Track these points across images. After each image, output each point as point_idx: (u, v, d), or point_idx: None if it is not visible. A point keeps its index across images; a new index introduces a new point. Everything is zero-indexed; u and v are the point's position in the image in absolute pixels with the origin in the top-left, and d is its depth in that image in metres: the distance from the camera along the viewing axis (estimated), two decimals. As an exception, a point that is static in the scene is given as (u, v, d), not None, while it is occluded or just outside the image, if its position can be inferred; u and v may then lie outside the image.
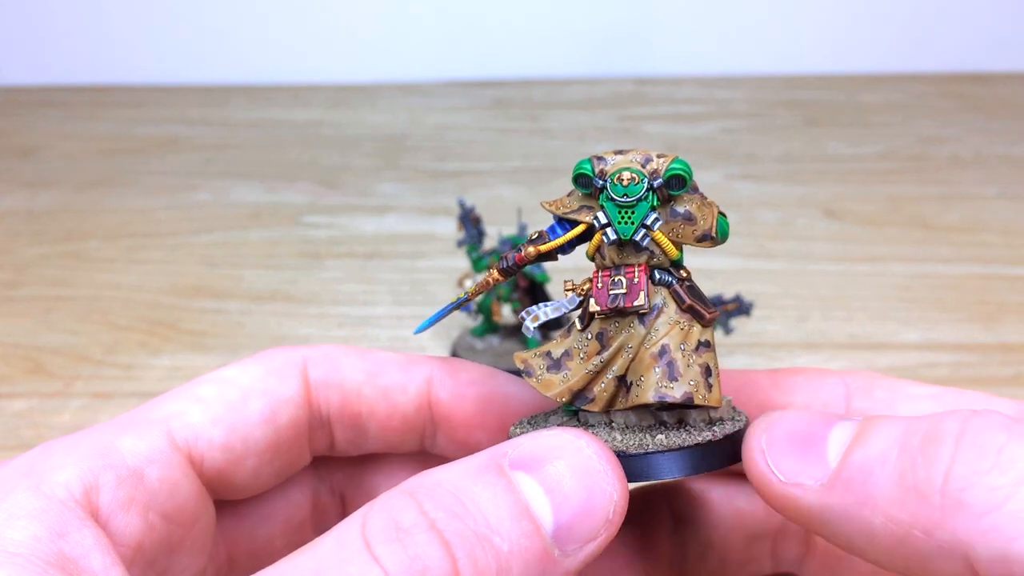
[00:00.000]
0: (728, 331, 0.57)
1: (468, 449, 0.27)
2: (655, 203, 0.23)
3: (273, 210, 0.85)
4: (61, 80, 1.22)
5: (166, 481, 0.23)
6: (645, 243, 0.23)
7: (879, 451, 0.19)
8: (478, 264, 0.59)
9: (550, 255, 0.25)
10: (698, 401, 0.23)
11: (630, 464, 0.22)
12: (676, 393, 0.23)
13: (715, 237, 0.24)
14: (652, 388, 0.23)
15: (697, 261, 0.79)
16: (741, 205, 0.85)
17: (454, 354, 0.62)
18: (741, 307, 0.56)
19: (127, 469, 0.22)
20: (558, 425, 0.24)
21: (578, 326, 0.24)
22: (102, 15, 1.19)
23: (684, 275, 0.24)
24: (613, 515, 0.21)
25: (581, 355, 0.24)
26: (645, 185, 0.23)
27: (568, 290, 0.25)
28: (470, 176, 0.93)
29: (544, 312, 0.25)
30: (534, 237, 0.25)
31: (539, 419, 0.25)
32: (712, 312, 0.24)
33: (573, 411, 0.24)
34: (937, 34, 1.21)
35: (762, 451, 0.21)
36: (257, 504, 0.28)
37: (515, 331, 0.62)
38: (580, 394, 0.24)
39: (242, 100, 1.16)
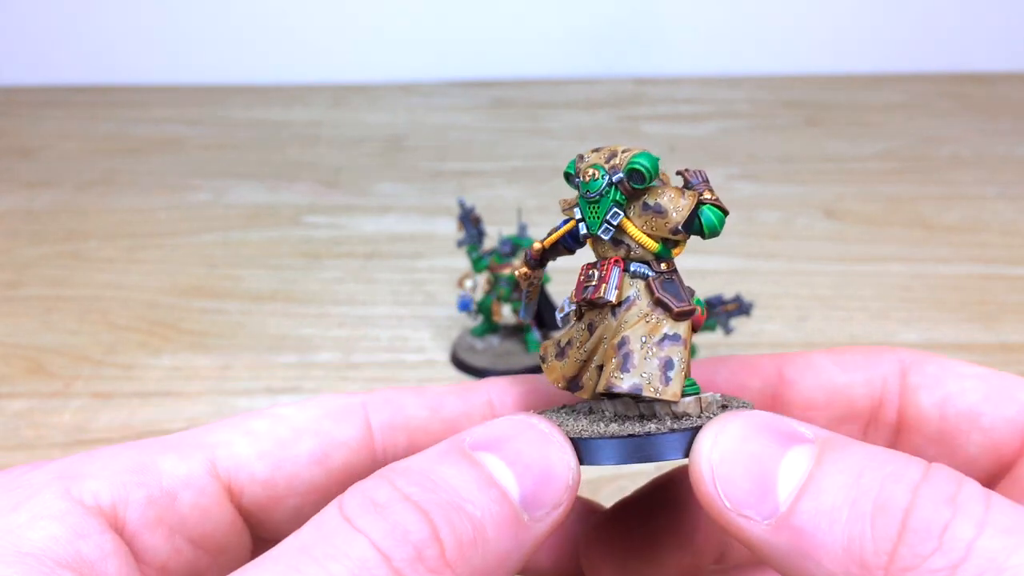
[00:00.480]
0: (728, 331, 0.57)
1: None
2: (617, 198, 0.24)
3: (273, 210, 0.85)
4: (61, 80, 1.22)
5: (198, 507, 0.23)
6: (607, 237, 0.24)
7: (830, 506, 0.19)
8: (478, 264, 0.59)
9: (555, 249, 0.26)
10: (647, 393, 0.23)
11: (577, 447, 0.23)
12: (624, 384, 0.23)
13: (682, 231, 0.24)
14: (605, 378, 0.23)
15: (697, 261, 0.79)
16: (741, 205, 0.85)
17: (454, 354, 0.62)
18: (741, 307, 0.56)
19: (160, 490, 0.22)
20: (571, 411, 0.25)
21: (573, 317, 0.25)
22: (102, 15, 1.19)
23: (664, 268, 0.24)
24: (573, 482, 0.22)
25: (578, 343, 0.25)
26: (604, 181, 0.23)
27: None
28: (470, 176, 0.93)
29: (566, 303, 0.26)
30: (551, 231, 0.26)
31: (565, 410, 0.26)
32: (683, 306, 0.24)
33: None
34: (937, 34, 1.21)
35: (711, 471, 0.21)
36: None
37: (515, 331, 0.62)
38: (573, 381, 0.25)
39: (242, 100, 1.16)
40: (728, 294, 0.58)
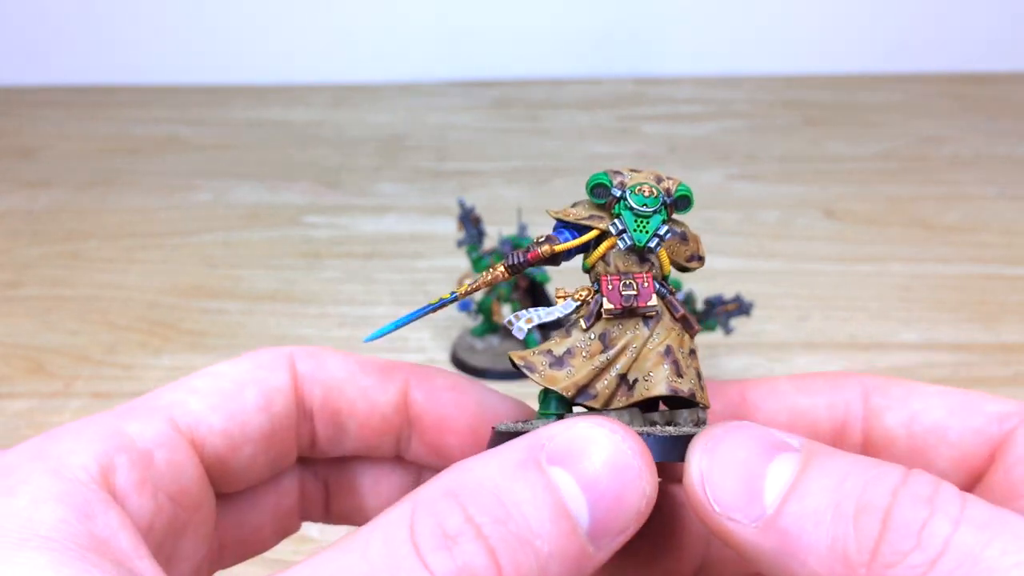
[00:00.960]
0: (728, 331, 0.57)
1: (439, 454, 0.29)
2: (665, 217, 0.25)
3: (273, 210, 0.85)
4: (61, 80, 1.22)
5: (173, 463, 0.24)
6: (657, 251, 0.25)
7: (814, 508, 0.20)
8: (478, 264, 0.59)
9: (562, 256, 0.26)
10: (699, 398, 0.25)
11: (658, 445, 0.23)
12: (684, 387, 0.25)
13: (702, 258, 0.26)
14: (664, 381, 0.25)
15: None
16: (741, 205, 0.85)
17: (454, 354, 0.62)
18: (741, 307, 0.56)
19: (137, 451, 0.23)
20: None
21: (583, 326, 0.25)
22: (102, 15, 1.19)
23: (672, 290, 0.26)
24: (644, 508, 0.22)
25: (584, 353, 0.25)
26: (661, 199, 0.25)
27: (560, 297, 0.26)
28: (470, 176, 0.93)
29: (537, 316, 0.26)
30: (541, 240, 0.26)
31: (524, 423, 0.26)
32: (698, 326, 0.26)
33: (556, 415, 0.25)
34: (937, 34, 1.21)
35: (701, 477, 0.22)
36: (247, 492, 0.29)
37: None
38: (584, 390, 0.25)
39: (242, 100, 1.16)
40: (728, 294, 0.58)
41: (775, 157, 0.96)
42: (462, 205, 0.59)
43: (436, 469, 0.27)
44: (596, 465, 0.21)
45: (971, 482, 0.27)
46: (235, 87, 1.20)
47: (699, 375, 0.25)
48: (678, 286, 0.56)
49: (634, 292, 0.25)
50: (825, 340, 0.63)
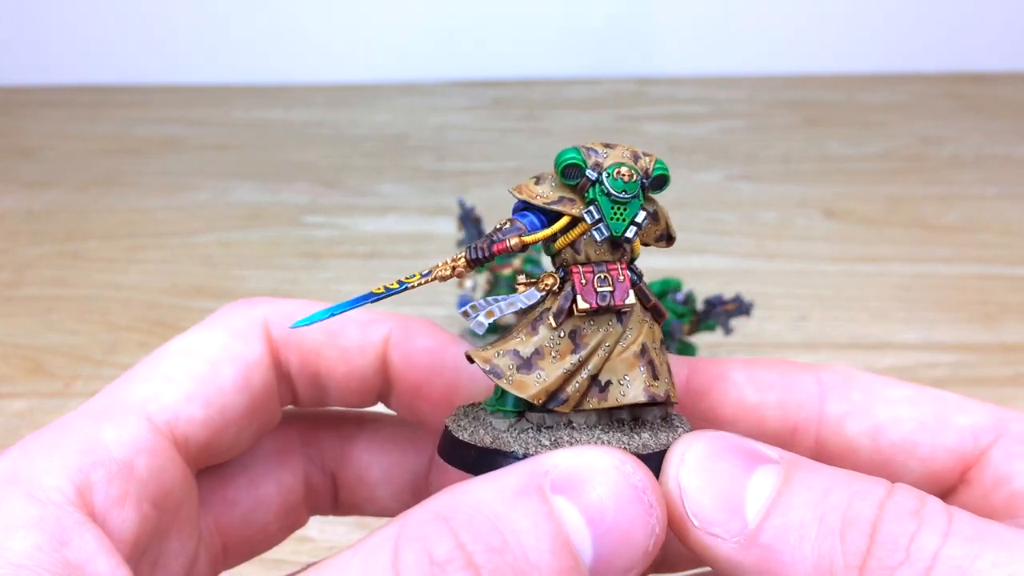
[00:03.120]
0: (728, 331, 0.57)
1: (412, 415, 0.28)
2: (643, 202, 0.23)
3: (273, 210, 0.85)
4: (61, 80, 1.22)
5: (154, 469, 0.23)
6: (633, 239, 0.23)
7: (798, 522, 0.19)
8: (478, 264, 0.59)
9: (531, 246, 0.24)
10: (674, 399, 0.23)
11: (651, 464, 0.22)
12: (661, 391, 0.23)
13: (672, 237, 0.24)
14: (642, 388, 0.23)
15: (697, 261, 0.78)
16: (741, 205, 0.85)
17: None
18: (741, 307, 0.56)
19: (116, 463, 0.22)
20: (511, 426, 0.23)
21: (552, 323, 0.23)
22: (102, 15, 1.19)
23: (641, 273, 0.24)
24: (652, 548, 0.20)
25: (553, 354, 0.23)
26: (640, 183, 0.23)
27: (522, 285, 0.24)
28: (470, 176, 0.93)
29: (499, 308, 0.24)
30: (504, 226, 0.24)
31: (475, 410, 0.25)
32: (665, 313, 0.24)
33: (513, 412, 0.23)
34: (937, 34, 1.21)
35: (679, 489, 0.21)
36: (250, 491, 0.28)
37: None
38: (555, 395, 0.23)
39: (242, 100, 1.16)
40: (728, 294, 0.58)
41: (775, 157, 0.96)
42: (462, 205, 0.59)
43: (407, 425, 0.26)
44: (603, 497, 0.20)
45: (941, 495, 0.26)
46: (235, 87, 1.20)
47: (669, 369, 0.23)
48: (678, 285, 0.56)
49: (610, 288, 0.23)
50: (825, 340, 0.63)
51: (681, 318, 0.55)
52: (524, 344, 0.23)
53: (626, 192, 0.22)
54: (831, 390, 0.26)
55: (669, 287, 0.56)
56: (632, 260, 0.24)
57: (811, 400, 0.26)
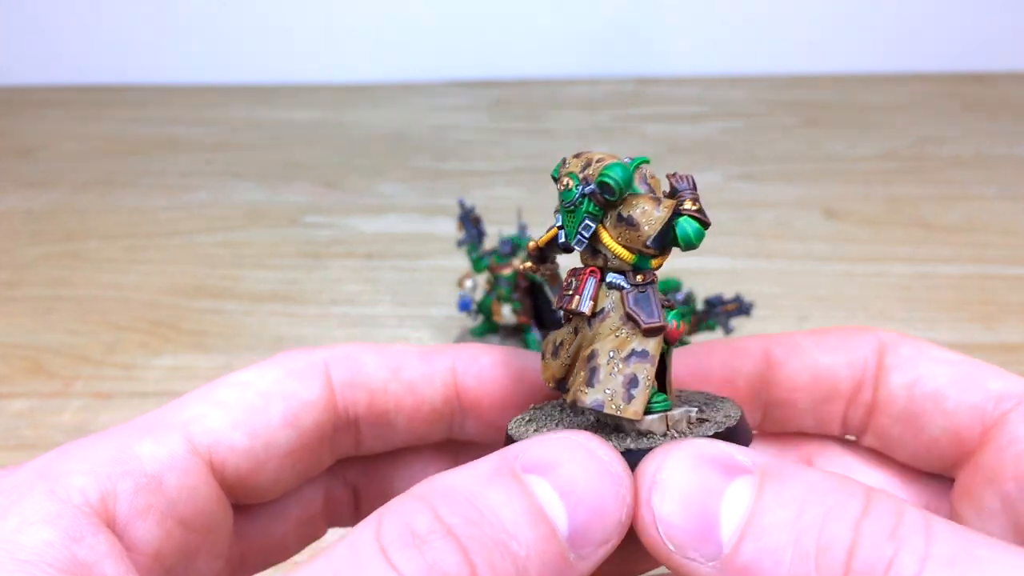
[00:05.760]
0: (728, 331, 0.57)
1: (500, 431, 0.27)
2: (591, 209, 0.23)
3: (273, 210, 0.85)
4: (61, 80, 1.22)
5: (185, 488, 0.23)
6: (580, 248, 0.23)
7: (774, 546, 0.19)
8: (478, 264, 0.59)
9: (552, 247, 0.25)
10: (608, 410, 0.22)
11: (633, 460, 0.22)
12: (587, 400, 0.23)
13: (651, 246, 0.23)
14: (572, 390, 0.23)
15: (698, 261, 0.79)
16: (741, 205, 0.85)
17: (454, 354, 0.62)
18: (741, 307, 0.56)
19: (145, 476, 0.22)
20: (555, 421, 0.24)
21: (564, 319, 0.25)
22: (102, 15, 1.19)
23: (639, 280, 0.24)
24: (625, 517, 0.21)
25: (567, 346, 0.25)
26: (577, 192, 0.23)
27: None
28: (470, 176, 0.93)
29: None
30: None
31: (536, 412, 0.26)
32: (652, 323, 0.23)
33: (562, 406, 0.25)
34: (937, 34, 1.21)
35: (652, 513, 0.21)
36: (270, 504, 0.28)
37: (515, 331, 0.62)
38: (562, 382, 0.25)
39: (242, 100, 1.16)
40: (728, 294, 0.58)
41: (775, 157, 0.96)
42: (462, 205, 0.59)
43: (488, 446, 0.26)
44: (573, 472, 0.20)
45: (961, 457, 0.26)
46: (235, 87, 1.20)
47: (634, 381, 0.23)
48: (678, 285, 0.56)
49: (570, 292, 0.24)
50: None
51: (682, 317, 0.55)
52: (559, 335, 0.25)
53: (564, 201, 0.23)
54: (888, 346, 0.27)
55: (669, 287, 0.56)
56: (638, 267, 0.24)
57: (872, 356, 0.27)
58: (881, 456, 0.29)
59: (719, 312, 0.56)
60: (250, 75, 1.21)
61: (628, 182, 0.23)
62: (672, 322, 0.24)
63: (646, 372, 0.23)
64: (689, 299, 0.56)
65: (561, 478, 0.20)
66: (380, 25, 1.20)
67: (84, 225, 0.82)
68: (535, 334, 0.60)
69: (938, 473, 0.28)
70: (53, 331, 0.65)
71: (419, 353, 0.28)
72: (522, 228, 0.60)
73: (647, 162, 0.24)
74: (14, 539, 0.19)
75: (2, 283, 0.72)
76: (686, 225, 0.23)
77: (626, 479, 0.21)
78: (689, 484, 0.20)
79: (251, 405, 0.25)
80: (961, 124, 1.05)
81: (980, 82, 1.18)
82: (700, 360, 0.28)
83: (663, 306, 0.24)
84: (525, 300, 0.59)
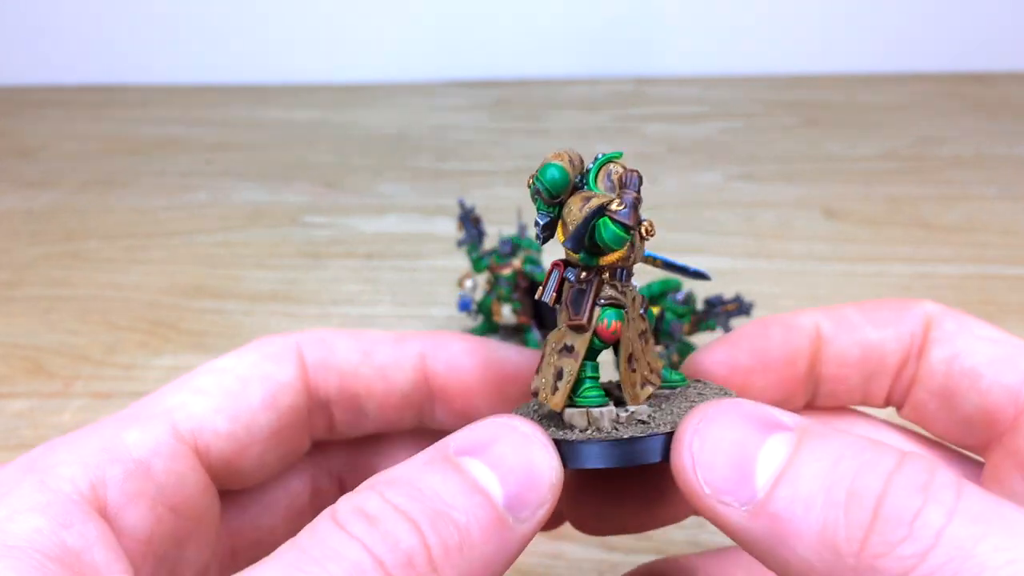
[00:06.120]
0: (728, 331, 0.57)
1: (468, 419, 0.28)
2: (538, 206, 0.24)
3: (273, 210, 0.85)
4: (61, 80, 1.22)
5: (173, 473, 0.23)
6: (539, 242, 0.24)
7: (806, 493, 0.20)
8: (478, 264, 0.59)
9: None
10: (540, 398, 0.24)
11: (560, 449, 0.23)
12: (532, 385, 0.24)
13: (567, 246, 0.23)
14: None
15: (697, 261, 0.79)
16: (741, 205, 0.85)
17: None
18: (741, 307, 0.56)
19: (133, 462, 0.23)
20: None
21: None
22: (102, 15, 1.19)
23: (583, 276, 0.24)
24: (556, 480, 0.22)
25: None
26: (532, 189, 0.24)
27: None
28: (470, 176, 0.93)
29: None
30: None
31: (525, 408, 0.26)
32: (575, 320, 0.24)
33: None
34: (937, 34, 1.21)
35: (691, 458, 0.21)
36: (259, 495, 0.28)
37: (515, 331, 0.62)
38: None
39: (242, 100, 1.16)
40: (728, 294, 0.58)
41: (775, 157, 0.96)
42: (462, 205, 0.59)
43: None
44: (501, 447, 0.22)
45: (992, 436, 0.26)
46: (235, 87, 1.20)
47: (560, 374, 0.24)
48: (678, 285, 0.56)
49: (542, 285, 0.25)
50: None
51: (681, 318, 0.55)
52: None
53: (531, 196, 0.24)
54: (933, 319, 0.28)
55: (669, 287, 0.56)
56: (587, 264, 0.24)
57: (919, 330, 0.28)
58: (915, 434, 0.29)
59: (719, 312, 0.56)
60: (250, 75, 1.21)
61: (555, 182, 0.23)
62: (604, 320, 0.23)
63: (571, 367, 0.24)
64: (689, 299, 0.56)
65: (491, 454, 0.22)
66: (380, 25, 1.20)
67: (84, 225, 0.82)
68: (535, 334, 0.60)
69: (969, 450, 0.28)
70: (53, 331, 0.65)
71: (391, 338, 0.28)
72: (522, 228, 0.60)
73: (617, 158, 0.24)
74: (4, 527, 0.19)
75: (2, 283, 0.72)
76: (602, 227, 0.23)
77: (550, 447, 0.22)
78: (731, 433, 0.21)
79: (231, 390, 0.26)
80: (961, 124, 1.05)
81: (980, 82, 1.18)
82: (755, 343, 0.28)
83: (608, 304, 0.24)
84: (525, 300, 0.59)
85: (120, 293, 0.70)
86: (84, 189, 0.90)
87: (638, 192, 0.23)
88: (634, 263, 0.25)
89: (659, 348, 0.55)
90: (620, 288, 0.24)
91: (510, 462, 0.22)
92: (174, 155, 0.99)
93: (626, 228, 0.22)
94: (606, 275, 0.24)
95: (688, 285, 0.60)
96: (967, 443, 0.28)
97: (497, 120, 1.09)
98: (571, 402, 0.24)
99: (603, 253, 0.23)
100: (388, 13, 1.19)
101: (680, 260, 0.31)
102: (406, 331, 0.29)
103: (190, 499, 0.24)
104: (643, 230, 0.24)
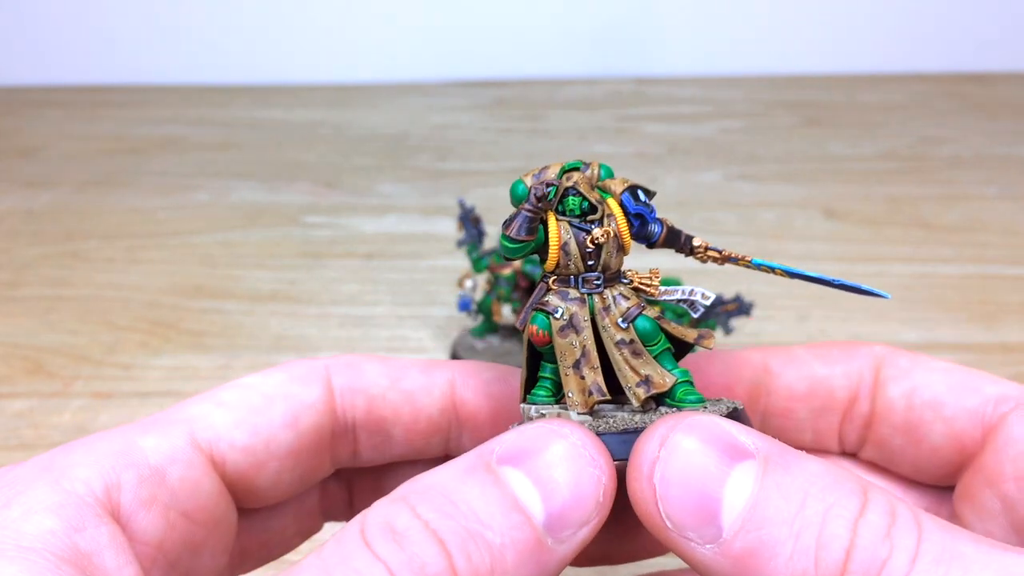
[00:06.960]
0: (728, 331, 0.57)
1: None
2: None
3: (273, 210, 0.85)
4: (61, 80, 1.22)
5: (187, 480, 0.23)
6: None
7: (774, 539, 0.19)
8: (478, 264, 0.59)
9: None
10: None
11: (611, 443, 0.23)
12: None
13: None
14: None
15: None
16: (741, 205, 0.85)
17: (454, 354, 0.62)
18: (741, 307, 0.56)
19: (149, 468, 0.22)
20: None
21: None
22: (102, 15, 1.19)
23: (532, 282, 0.26)
24: (603, 497, 0.21)
25: None
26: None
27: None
28: (470, 176, 0.93)
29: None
30: None
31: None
32: (519, 323, 0.25)
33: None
34: (937, 34, 1.21)
35: (653, 491, 0.21)
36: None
37: (515, 331, 0.62)
38: None
39: (242, 100, 1.16)
40: (728, 294, 0.58)
41: (775, 157, 0.96)
42: (462, 205, 0.59)
43: None
44: (547, 459, 0.21)
45: (963, 460, 0.27)
46: (235, 87, 1.20)
47: (523, 379, 0.26)
48: (677, 284, 0.56)
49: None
50: (825, 340, 0.63)
51: (681, 318, 0.55)
52: None
53: None
54: (884, 359, 0.28)
55: (669, 287, 0.56)
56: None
57: (868, 369, 0.28)
58: (881, 468, 0.30)
59: (719, 312, 0.56)
60: (250, 75, 1.21)
61: (516, 196, 0.24)
62: (532, 326, 0.24)
63: (523, 365, 0.25)
64: (689, 299, 0.56)
65: (535, 467, 0.21)
66: (380, 25, 1.20)
67: (84, 225, 0.82)
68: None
69: (940, 484, 0.28)
70: (53, 331, 0.65)
71: (420, 365, 0.28)
72: (522, 228, 0.60)
73: (577, 168, 0.25)
74: (18, 527, 0.19)
75: (2, 283, 0.72)
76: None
77: (601, 459, 0.21)
78: (693, 465, 0.20)
79: (253, 405, 0.25)
80: (961, 124, 1.05)
81: (980, 82, 1.18)
82: (700, 367, 0.29)
83: (539, 310, 0.24)
84: (525, 300, 0.59)
85: (120, 293, 0.70)
86: (84, 189, 0.90)
87: (533, 204, 0.24)
88: (607, 269, 0.25)
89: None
90: (578, 295, 0.24)
91: (555, 478, 0.20)
92: (174, 155, 0.99)
93: (510, 239, 0.24)
94: (551, 280, 0.25)
95: (688, 285, 0.60)
96: (936, 477, 0.28)
97: (497, 120, 1.09)
98: (524, 399, 0.25)
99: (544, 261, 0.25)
100: (388, 13, 1.19)
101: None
102: (436, 359, 0.29)
103: (205, 507, 0.24)
104: (694, 244, 0.27)
